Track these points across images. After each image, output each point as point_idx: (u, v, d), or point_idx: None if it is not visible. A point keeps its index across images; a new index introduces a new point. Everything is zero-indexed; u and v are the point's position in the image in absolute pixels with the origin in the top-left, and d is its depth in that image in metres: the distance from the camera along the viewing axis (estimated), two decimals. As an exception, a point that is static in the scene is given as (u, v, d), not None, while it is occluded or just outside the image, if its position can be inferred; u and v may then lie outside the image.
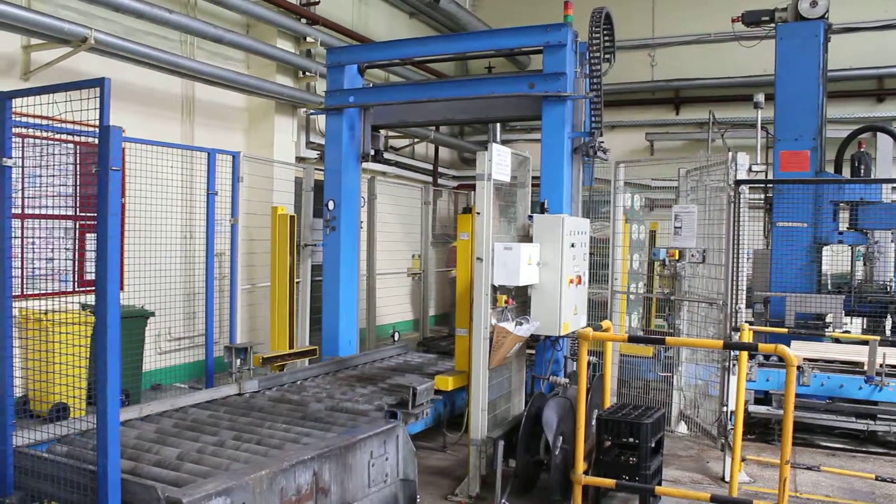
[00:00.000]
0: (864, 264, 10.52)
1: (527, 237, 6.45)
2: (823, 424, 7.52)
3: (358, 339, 8.25)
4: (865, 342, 7.22)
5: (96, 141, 3.77)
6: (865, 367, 7.05)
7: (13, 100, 4.26)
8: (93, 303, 7.72)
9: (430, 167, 14.51)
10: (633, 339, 5.46)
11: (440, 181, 14.75)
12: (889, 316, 9.41)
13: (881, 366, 6.99)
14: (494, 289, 5.83)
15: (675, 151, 14.32)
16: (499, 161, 5.81)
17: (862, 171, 9.51)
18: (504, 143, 15.41)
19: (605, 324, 6.02)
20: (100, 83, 3.79)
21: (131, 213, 7.80)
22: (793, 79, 8.98)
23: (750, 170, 6.25)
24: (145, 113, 8.71)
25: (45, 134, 6.46)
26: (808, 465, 6.44)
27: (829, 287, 9.61)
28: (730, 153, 6.42)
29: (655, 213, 13.15)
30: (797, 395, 7.34)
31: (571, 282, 6.20)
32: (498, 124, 14.71)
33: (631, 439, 5.54)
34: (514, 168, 6.33)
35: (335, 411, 5.81)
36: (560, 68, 6.92)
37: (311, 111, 10.03)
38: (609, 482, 5.36)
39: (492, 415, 5.99)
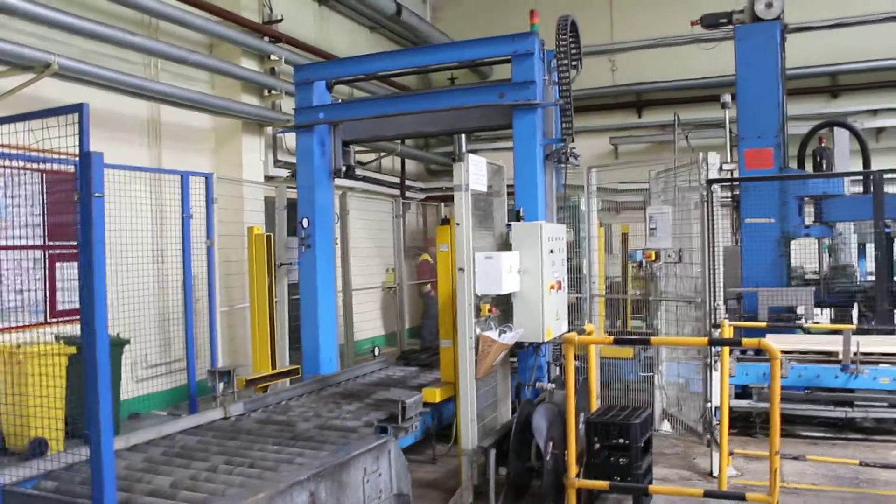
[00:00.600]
0: (829, 256, 10.79)
1: (505, 245, 6.49)
2: (803, 414, 7.65)
3: (338, 356, 8.21)
4: (839, 332, 7.38)
5: (65, 168, 3.72)
6: (840, 356, 7.21)
7: (-14, 130, 4.18)
8: (66, 334, 7.61)
9: (397, 180, 14.52)
10: (619, 342, 5.53)
11: (408, 194, 14.75)
12: (856, 305, 9.64)
13: (855, 354, 7.15)
14: (477, 298, 5.85)
15: (639, 154, 14.52)
16: (475, 171, 5.85)
17: (824, 165, 9.75)
18: (470, 153, 15.53)
19: (589, 327, 6.08)
20: (78, 109, 3.75)
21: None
22: (753, 79, 9.19)
23: (721, 169, 6.35)
24: (111, 138, 8.57)
25: (12, 163, 6.34)
26: (795, 455, 6.55)
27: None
28: (700, 153, 6.54)
29: (623, 216, 13.33)
30: (776, 388, 7.50)
31: (552, 287, 6.25)
32: (464, 135, 14.82)
33: (621, 440, 5.60)
34: (490, 177, 6.36)
35: (324, 429, 5.77)
36: (529, 77, 6.99)
37: (280, 129, 9.98)
38: (603, 484, 5.40)
39: (480, 424, 5.99)
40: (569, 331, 6.66)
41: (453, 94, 7.46)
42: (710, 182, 6.38)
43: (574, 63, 7.22)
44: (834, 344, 7.57)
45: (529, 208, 6.87)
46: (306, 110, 7.79)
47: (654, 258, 6.94)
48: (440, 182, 15.97)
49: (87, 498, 4.27)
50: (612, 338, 5.54)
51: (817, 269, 10.20)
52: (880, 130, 13.27)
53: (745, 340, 4.95)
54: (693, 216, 7.34)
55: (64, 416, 7.42)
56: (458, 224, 5.74)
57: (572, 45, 7.17)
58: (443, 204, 13.65)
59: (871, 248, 11.03)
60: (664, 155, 13.56)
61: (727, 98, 7.59)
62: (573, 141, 7.04)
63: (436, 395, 6.09)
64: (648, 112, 14.75)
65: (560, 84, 7.05)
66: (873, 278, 10.75)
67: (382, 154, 13.25)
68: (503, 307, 6.32)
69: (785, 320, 8.80)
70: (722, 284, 6.43)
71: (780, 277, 9.14)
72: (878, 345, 7.60)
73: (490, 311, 5.89)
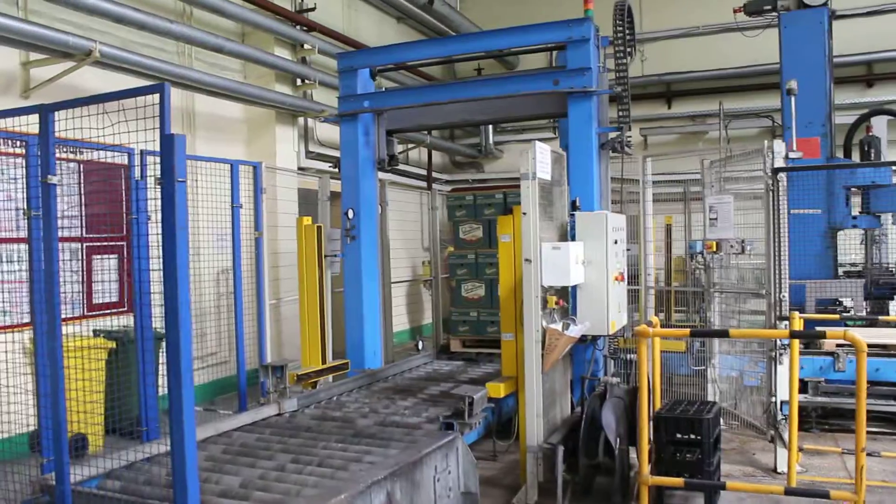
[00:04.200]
0: (870, 248, 10.60)
1: (565, 236, 6.31)
2: (853, 409, 7.44)
3: (382, 350, 8.04)
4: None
5: (106, 158, 3.54)
6: (902, 350, 7.02)
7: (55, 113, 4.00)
8: (105, 328, 7.43)
9: (423, 172, 14.34)
10: (695, 334, 5.34)
11: (433, 185, 14.56)
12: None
13: (917, 348, 6.96)
14: (543, 290, 5.67)
15: (669, 145, 14.31)
16: (542, 159, 5.66)
17: (872, 154, 9.55)
18: (496, 144, 15.36)
19: (654, 319, 5.89)
20: (159, 89, 3.58)
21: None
22: (799, 66, 8.97)
23: (787, 157, 6.16)
24: (147, 127, 8.39)
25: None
26: (870, 452, 6.36)
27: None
28: (766, 141, 6.35)
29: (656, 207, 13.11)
30: (833, 381, 7.32)
31: (616, 279, 6.07)
32: (490, 126, 14.66)
33: (692, 435, 5.43)
34: (551, 166, 6.17)
35: (386, 426, 5.59)
36: (585, 63, 6.81)
37: (323, 118, 9.76)
38: (677, 481, 5.23)
39: (545, 420, 5.82)
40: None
41: (505, 82, 7.25)
42: (777, 171, 6.18)
43: (629, 50, 7.05)
44: (889, 337, 7.39)
45: (585, 198, 6.69)
46: (350, 98, 7.60)
47: (714, 249, 6.75)
48: (465, 174, 15.78)
49: (157, 499, 4.12)
50: (688, 331, 5.36)
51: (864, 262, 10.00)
52: (916, 120, 13.03)
53: (829, 332, 4.76)
54: (737, 207, 7.17)
55: (103, 412, 7.31)
56: (524, 214, 5.55)
57: (628, 32, 7.01)
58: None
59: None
60: (697, 146, 13.39)
61: (794, 84, 7.37)
62: (630, 129, 6.86)
63: (500, 389, 5.91)
64: (678, 102, 14.52)
65: (617, 71, 6.87)
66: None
67: (411, 146, 13.05)
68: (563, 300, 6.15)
69: (831, 313, 8.61)
70: (787, 276, 6.23)
71: (827, 269, 8.95)
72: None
73: (557, 303, 5.71)
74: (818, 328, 6.72)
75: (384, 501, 4.34)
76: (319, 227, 6.97)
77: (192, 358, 3.57)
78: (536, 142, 5.65)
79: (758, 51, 12.27)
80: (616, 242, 6.12)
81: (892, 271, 10.37)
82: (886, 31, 12.67)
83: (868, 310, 9.57)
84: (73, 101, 3.90)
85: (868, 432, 7.29)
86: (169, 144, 3.49)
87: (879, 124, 10.89)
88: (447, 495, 5.00)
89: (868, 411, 7.34)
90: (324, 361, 6.87)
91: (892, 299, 9.46)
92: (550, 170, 5.94)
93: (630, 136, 6.97)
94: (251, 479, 4.50)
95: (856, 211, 9.18)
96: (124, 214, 7.57)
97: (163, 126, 3.54)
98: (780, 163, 6.20)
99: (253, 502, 4.15)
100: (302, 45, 10.20)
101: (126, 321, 7.89)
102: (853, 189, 9.13)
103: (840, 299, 8.62)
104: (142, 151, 5.91)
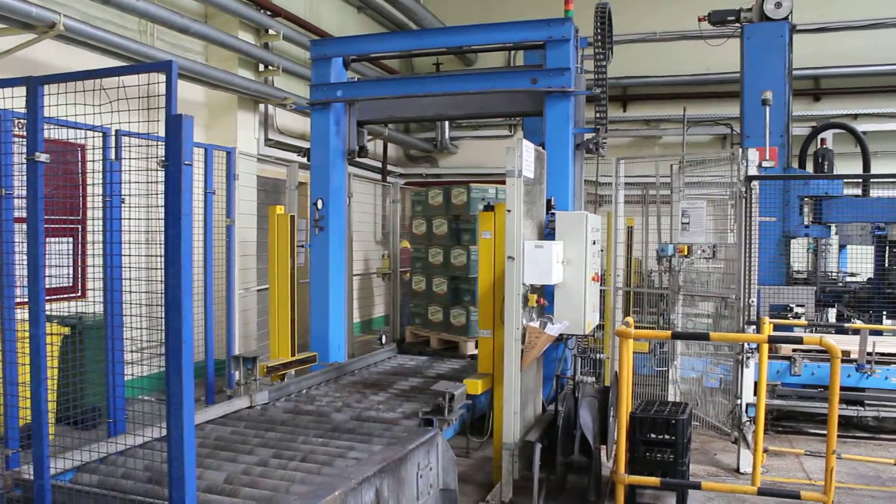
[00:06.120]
0: (815, 257, 11.00)
1: (542, 235, 6.32)
2: (806, 412, 7.70)
3: (346, 343, 7.93)
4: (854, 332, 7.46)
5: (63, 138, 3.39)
6: (857, 356, 7.28)
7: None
8: (58, 313, 7.11)
9: (378, 164, 14.20)
10: (676, 336, 5.41)
11: (388, 178, 14.45)
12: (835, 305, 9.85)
13: (870, 354, 7.23)
14: (524, 288, 5.68)
15: (622, 149, 14.50)
16: (527, 157, 5.65)
17: (825, 166, 9.88)
18: (452, 139, 15.33)
19: (630, 320, 5.95)
20: (167, 66, 3.43)
21: (92, 215, 7.19)
22: (760, 77, 9.21)
23: (760, 165, 6.31)
24: (104, 107, 8.06)
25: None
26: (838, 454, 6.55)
27: None
28: (739, 149, 6.50)
29: (604, 210, 13.30)
30: (788, 385, 7.56)
31: (592, 279, 6.12)
32: (447, 122, 14.63)
33: (666, 436, 5.52)
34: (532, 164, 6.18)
35: (363, 421, 5.52)
36: (564, 63, 6.85)
37: (295, 105, 9.54)
38: (653, 480, 5.29)
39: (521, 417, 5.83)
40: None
41: (483, 78, 7.22)
42: (750, 178, 6.33)
43: (608, 52, 7.13)
44: (845, 343, 7.66)
45: (560, 197, 6.72)
46: (324, 87, 7.45)
47: (686, 253, 6.88)
48: (419, 168, 15.70)
49: (140, 494, 3.96)
50: (668, 333, 5.43)
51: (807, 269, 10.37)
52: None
53: (806, 338, 4.89)
54: (709, 213, 7.33)
55: (56, 401, 6.98)
56: (509, 211, 5.53)
57: (608, 34, 7.08)
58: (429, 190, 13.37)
59: (850, 250, 11.34)
60: (653, 150, 13.62)
61: (769, 94, 7.56)
62: (607, 131, 6.93)
63: (478, 386, 5.88)
64: (634, 106, 14.75)
65: (597, 72, 6.92)
66: (855, 279, 11.10)
67: (368, 137, 12.88)
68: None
69: (783, 318, 8.89)
70: (757, 281, 6.39)
71: (780, 276, 9.23)
72: (887, 345, 7.71)
73: (538, 301, 5.72)
74: (787, 333, 6.92)
75: (373, 498, 4.28)
76: (293, 217, 6.82)
77: (192, 349, 3.42)
78: (523, 139, 5.64)
79: (713, 59, 12.53)
80: (594, 243, 6.17)
81: (835, 280, 10.80)
82: (832, 47, 13.13)
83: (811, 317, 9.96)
84: (65, 76, 3.70)
85: (817, 434, 7.61)
86: (176, 125, 3.36)
87: (828, 137, 11.32)
88: (428, 492, 4.96)
89: (818, 414, 7.68)
90: (293, 353, 6.74)
91: (834, 306, 9.88)
92: (534, 168, 5.95)
93: (606, 138, 7.04)
94: (235, 474, 4.38)
95: (807, 220, 9.50)
96: (81, 197, 7.27)
97: (169, 106, 3.41)
98: (753, 171, 6.34)
99: (243, 499, 4.02)
100: (266, 31, 9.94)
101: (74, 307, 7.58)
102: (806, 199, 9.45)
103: (791, 305, 8.94)
104: (116, 132, 5.66)
